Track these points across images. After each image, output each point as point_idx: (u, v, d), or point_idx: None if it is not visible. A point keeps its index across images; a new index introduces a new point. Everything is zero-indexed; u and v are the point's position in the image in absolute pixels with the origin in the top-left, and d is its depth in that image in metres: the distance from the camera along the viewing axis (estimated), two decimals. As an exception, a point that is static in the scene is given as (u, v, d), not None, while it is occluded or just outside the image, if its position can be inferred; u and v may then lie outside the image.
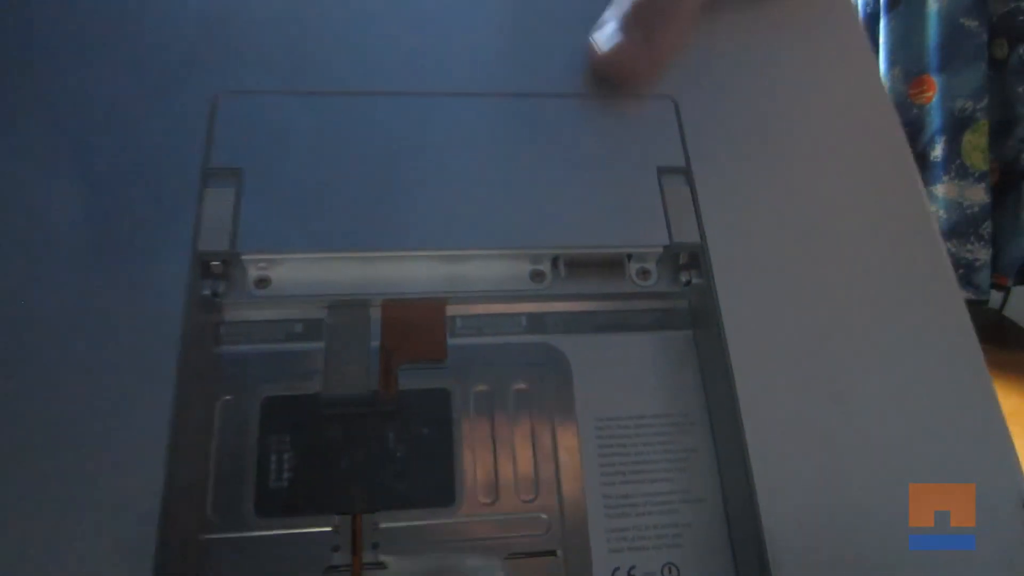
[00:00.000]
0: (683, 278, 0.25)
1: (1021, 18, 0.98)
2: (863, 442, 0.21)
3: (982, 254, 0.92)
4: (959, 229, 0.93)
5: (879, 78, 0.30)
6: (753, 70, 0.29)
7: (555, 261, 0.26)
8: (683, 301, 0.26)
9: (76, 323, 0.21)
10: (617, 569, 0.22)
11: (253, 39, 0.27)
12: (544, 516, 0.22)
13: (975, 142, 0.99)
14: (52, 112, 0.24)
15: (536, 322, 0.26)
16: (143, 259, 0.22)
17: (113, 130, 0.24)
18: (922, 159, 0.99)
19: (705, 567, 0.22)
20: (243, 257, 0.23)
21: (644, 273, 0.26)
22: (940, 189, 1.00)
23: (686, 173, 0.26)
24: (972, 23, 0.97)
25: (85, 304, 0.22)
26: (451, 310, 0.25)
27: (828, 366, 0.23)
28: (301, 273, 0.24)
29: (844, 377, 0.22)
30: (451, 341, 0.25)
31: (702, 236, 0.25)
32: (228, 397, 0.23)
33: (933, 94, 1.00)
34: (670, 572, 0.22)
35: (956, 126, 0.99)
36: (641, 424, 0.24)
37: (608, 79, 0.28)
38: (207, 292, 0.23)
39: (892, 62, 1.00)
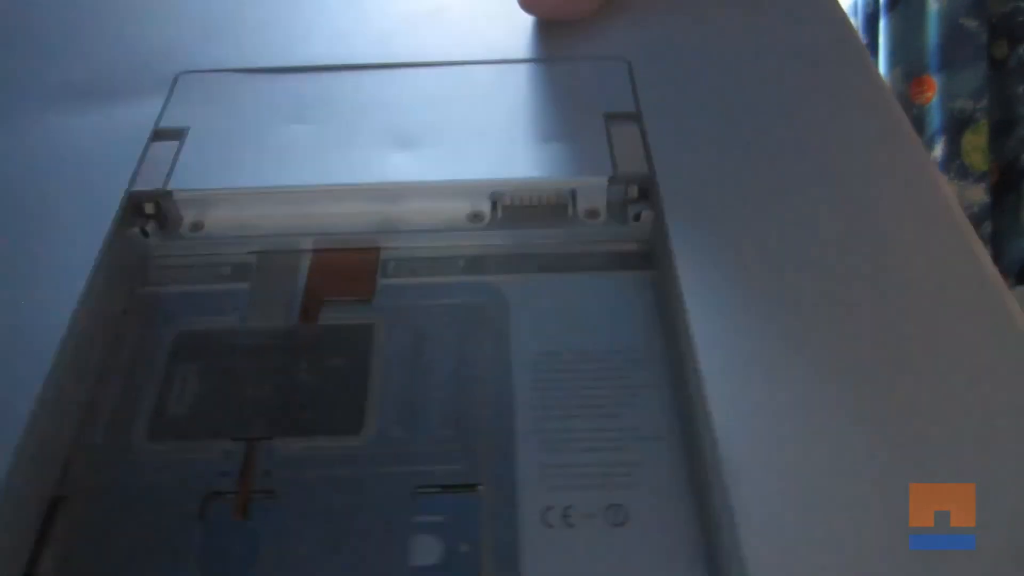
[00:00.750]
0: (632, 211, 0.24)
1: (1021, 18, 0.98)
2: (822, 375, 0.20)
3: (982, 254, 0.90)
4: (958, 229, 0.91)
5: (852, 31, 0.29)
6: (709, 35, 0.29)
7: (494, 204, 0.25)
8: (637, 244, 0.25)
9: (7, 239, 0.22)
10: (550, 508, 0.20)
11: (216, 27, 0.30)
12: (463, 447, 0.21)
13: (975, 142, 0.98)
14: (32, 73, 0.27)
15: (474, 264, 0.25)
16: (81, 199, 0.23)
17: (82, 101, 0.26)
18: (921, 159, 0.98)
19: (659, 510, 0.20)
20: (175, 196, 0.24)
21: (592, 213, 0.25)
22: (940, 189, 0.98)
23: (636, 119, 0.25)
24: (972, 23, 0.97)
25: (19, 230, 0.23)
26: (385, 253, 0.25)
27: (785, 290, 0.21)
28: (234, 219, 0.25)
29: (803, 308, 0.21)
30: (383, 281, 0.24)
31: (651, 169, 0.24)
32: (146, 331, 0.22)
33: (933, 94, 0.99)
34: (615, 514, 0.20)
35: (956, 126, 0.98)
36: (586, 359, 0.22)
37: (534, 9, 0.28)
38: (136, 230, 0.24)
39: (892, 62, 0.99)
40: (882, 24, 1.00)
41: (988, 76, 0.95)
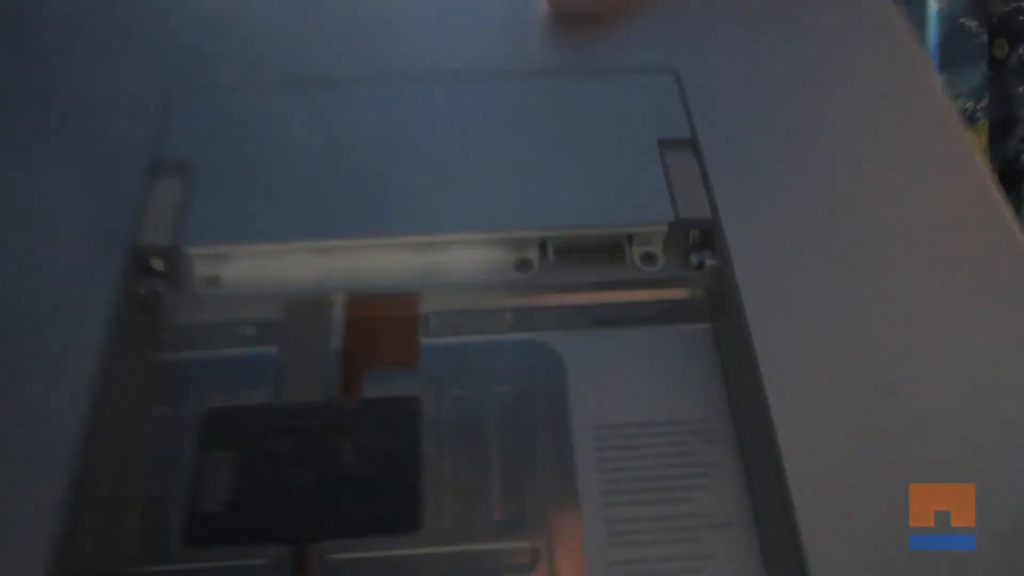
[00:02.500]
0: (694, 260, 0.22)
1: (1021, 18, 0.97)
2: (923, 445, 0.18)
3: (984, 257, 0.89)
4: (960, 231, 0.91)
5: (913, 40, 0.27)
6: (760, 37, 0.26)
7: (543, 247, 0.23)
8: (696, 289, 0.22)
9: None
10: None
11: (210, 34, 0.25)
12: (530, 546, 0.19)
13: (975, 142, 0.97)
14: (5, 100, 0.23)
15: (523, 318, 0.22)
16: (76, 254, 0.20)
17: (64, 120, 0.23)
18: (922, 160, 0.97)
19: None
20: (189, 252, 0.20)
21: (649, 258, 0.23)
22: (940, 191, 0.98)
23: (692, 145, 0.23)
24: (972, 23, 0.96)
25: (5, 299, 0.19)
26: (425, 306, 0.22)
27: (871, 353, 0.19)
28: (255, 271, 0.22)
29: (891, 366, 0.19)
30: (425, 341, 0.21)
31: (714, 211, 0.21)
32: (166, 409, 0.20)
33: (933, 94, 0.98)
34: None
35: (956, 126, 0.97)
36: (650, 433, 0.20)
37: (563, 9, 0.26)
38: (143, 292, 0.21)
39: (890, 62, 0.98)
40: (880, 23, 0.99)
41: (988, 76, 0.95)
